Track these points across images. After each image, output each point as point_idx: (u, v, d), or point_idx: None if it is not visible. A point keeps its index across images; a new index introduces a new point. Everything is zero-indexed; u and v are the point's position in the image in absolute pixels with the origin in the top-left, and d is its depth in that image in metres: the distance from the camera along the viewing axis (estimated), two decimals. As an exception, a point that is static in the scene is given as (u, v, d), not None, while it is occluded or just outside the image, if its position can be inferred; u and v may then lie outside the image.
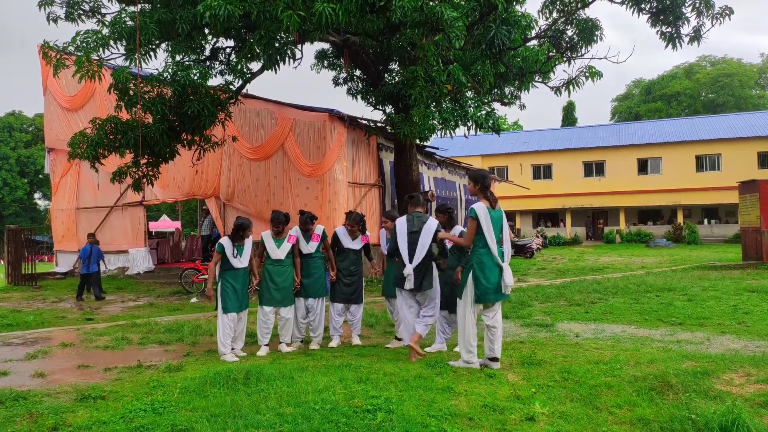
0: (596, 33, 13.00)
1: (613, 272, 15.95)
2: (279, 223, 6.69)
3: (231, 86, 12.70)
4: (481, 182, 5.50)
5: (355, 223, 7.01)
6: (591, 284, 12.59)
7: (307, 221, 6.88)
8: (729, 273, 14.54)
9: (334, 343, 6.96)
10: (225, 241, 6.53)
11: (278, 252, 6.68)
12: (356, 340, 7.08)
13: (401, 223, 6.19)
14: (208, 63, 13.43)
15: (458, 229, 6.58)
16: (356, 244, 7.08)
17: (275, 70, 11.23)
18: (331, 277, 7.01)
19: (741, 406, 3.84)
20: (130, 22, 10.77)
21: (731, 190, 24.41)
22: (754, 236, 17.17)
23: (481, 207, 5.35)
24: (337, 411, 4.05)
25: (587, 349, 5.98)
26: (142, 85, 11.34)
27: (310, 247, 6.90)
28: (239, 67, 12.17)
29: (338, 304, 7.06)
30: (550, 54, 13.19)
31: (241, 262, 6.54)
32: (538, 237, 30.07)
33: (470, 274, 5.35)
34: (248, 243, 6.64)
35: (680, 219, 35.29)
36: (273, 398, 4.40)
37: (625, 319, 8.29)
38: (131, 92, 11.50)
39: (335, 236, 7.12)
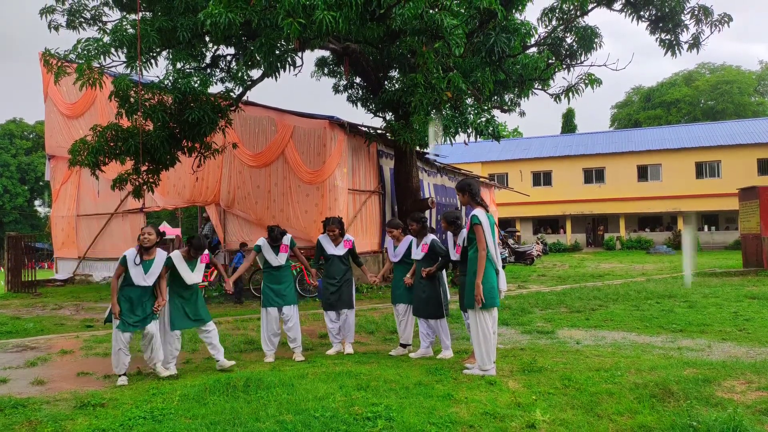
0: (595, 40, 13.05)
1: (614, 279, 15.93)
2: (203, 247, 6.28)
3: (231, 93, 12.75)
4: (468, 191, 5.61)
5: (335, 227, 7.00)
6: (591, 291, 12.57)
7: (277, 237, 6.77)
8: (729, 279, 14.52)
9: (332, 351, 6.94)
10: (175, 255, 6.14)
11: (193, 276, 6.24)
12: (348, 349, 6.91)
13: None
14: (208, 70, 13.49)
15: (430, 237, 6.56)
16: (340, 250, 7.05)
17: (276, 78, 11.28)
18: (312, 283, 7.03)
19: (742, 413, 3.83)
20: (131, 30, 10.83)
21: (731, 196, 24.41)
22: (754, 243, 17.15)
23: (481, 213, 5.43)
24: (338, 418, 4.04)
25: (588, 356, 5.96)
26: (142, 92, 11.38)
27: (279, 259, 6.84)
28: (240, 75, 12.22)
29: (330, 311, 7.02)
30: (550, 61, 13.24)
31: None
32: (538, 244, 30.03)
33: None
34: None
35: (680, 226, 35.29)
36: (273, 406, 4.39)
37: (626, 326, 8.27)
38: (132, 99, 11.53)
39: (318, 243, 7.10)
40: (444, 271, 6.58)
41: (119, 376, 5.82)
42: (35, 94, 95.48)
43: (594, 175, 37.76)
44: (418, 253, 6.53)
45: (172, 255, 6.17)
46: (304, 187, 14.62)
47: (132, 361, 6.01)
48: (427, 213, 14.39)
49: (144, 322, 5.85)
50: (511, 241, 26.40)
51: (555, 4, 12.80)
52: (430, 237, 6.55)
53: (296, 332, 6.79)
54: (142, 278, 5.80)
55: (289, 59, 11.09)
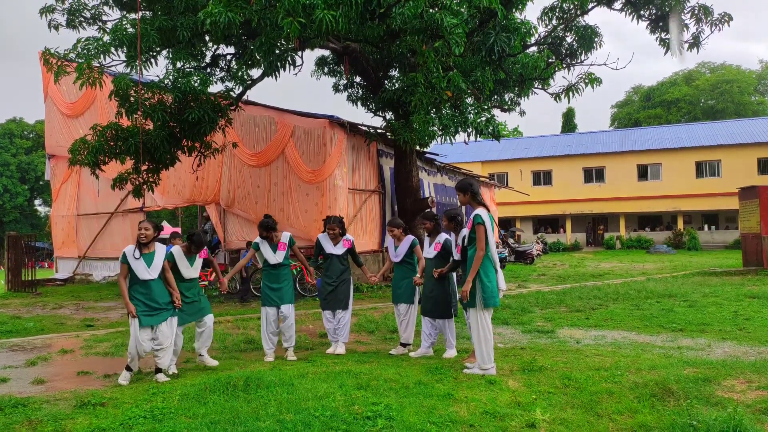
0: (595, 40, 13.04)
1: (614, 278, 15.93)
2: (202, 243, 6.31)
3: (231, 93, 12.75)
4: (469, 191, 5.59)
5: (336, 225, 6.98)
6: (591, 290, 12.58)
7: (268, 226, 6.68)
8: (729, 279, 14.52)
9: (331, 350, 6.93)
10: (176, 251, 6.19)
11: (191, 271, 6.29)
12: (339, 349, 6.85)
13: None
14: (208, 70, 13.49)
15: (443, 236, 6.56)
16: (338, 249, 7.02)
17: (275, 77, 11.27)
18: (310, 282, 7.09)
19: (742, 412, 3.83)
20: (130, 29, 10.82)
21: (731, 196, 24.42)
22: (754, 242, 17.16)
23: (484, 212, 5.42)
24: (338, 418, 4.04)
25: (588, 356, 5.96)
26: (142, 91, 11.38)
27: (277, 257, 6.83)
28: (240, 74, 12.22)
29: (326, 311, 7.02)
30: (550, 60, 13.23)
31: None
32: (538, 243, 30.05)
33: (477, 280, 5.37)
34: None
35: (680, 225, 35.29)
36: (273, 405, 4.39)
37: (626, 326, 8.27)
38: (132, 99, 11.53)
39: (318, 242, 7.10)
40: (454, 272, 6.58)
41: (122, 372, 5.81)
42: (35, 94, 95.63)
43: (594, 175, 37.76)
44: (430, 252, 6.52)
45: (173, 250, 6.20)
46: (304, 187, 14.61)
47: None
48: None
49: (163, 314, 5.79)
50: (511, 241, 26.42)
51: (555, 4, 12.79)
52: (443, 236, 6.54)
53: (291, 331, 6.81)
54: (146, 272, 5.74)
55: (289, 58, 11.08)
